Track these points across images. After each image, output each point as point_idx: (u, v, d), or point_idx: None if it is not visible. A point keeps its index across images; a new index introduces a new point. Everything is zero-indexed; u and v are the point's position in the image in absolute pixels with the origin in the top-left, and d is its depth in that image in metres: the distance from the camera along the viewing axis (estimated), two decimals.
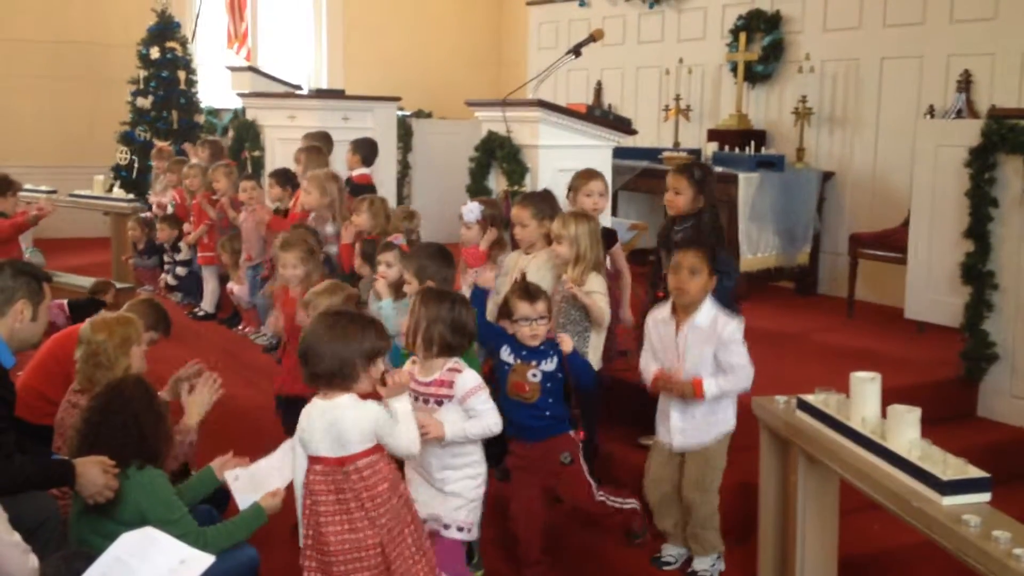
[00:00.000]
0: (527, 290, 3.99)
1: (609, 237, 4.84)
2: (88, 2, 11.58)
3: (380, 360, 3.21)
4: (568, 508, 4.28)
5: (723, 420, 3.96)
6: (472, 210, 4.95)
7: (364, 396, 3.21)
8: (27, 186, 8.69)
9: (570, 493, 4.12)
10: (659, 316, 4.03)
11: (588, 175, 4.94)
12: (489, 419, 3.54)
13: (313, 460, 3.17)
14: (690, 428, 3.94)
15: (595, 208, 4.82)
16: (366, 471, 3.13)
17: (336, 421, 3.12)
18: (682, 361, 3.90)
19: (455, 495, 3.60)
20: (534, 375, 3.93)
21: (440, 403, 3.54)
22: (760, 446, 3.70)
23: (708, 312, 3.89)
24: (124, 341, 3.89)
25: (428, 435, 3.40)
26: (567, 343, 3.98)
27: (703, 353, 3.87)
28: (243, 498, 3.56)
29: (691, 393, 3.85)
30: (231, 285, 7.45)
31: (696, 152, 8.22)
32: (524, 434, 3.95)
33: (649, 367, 4.03)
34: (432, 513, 3.59)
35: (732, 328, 3.87)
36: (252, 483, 3.58)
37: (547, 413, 3.97)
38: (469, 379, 3.54)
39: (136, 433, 3.27)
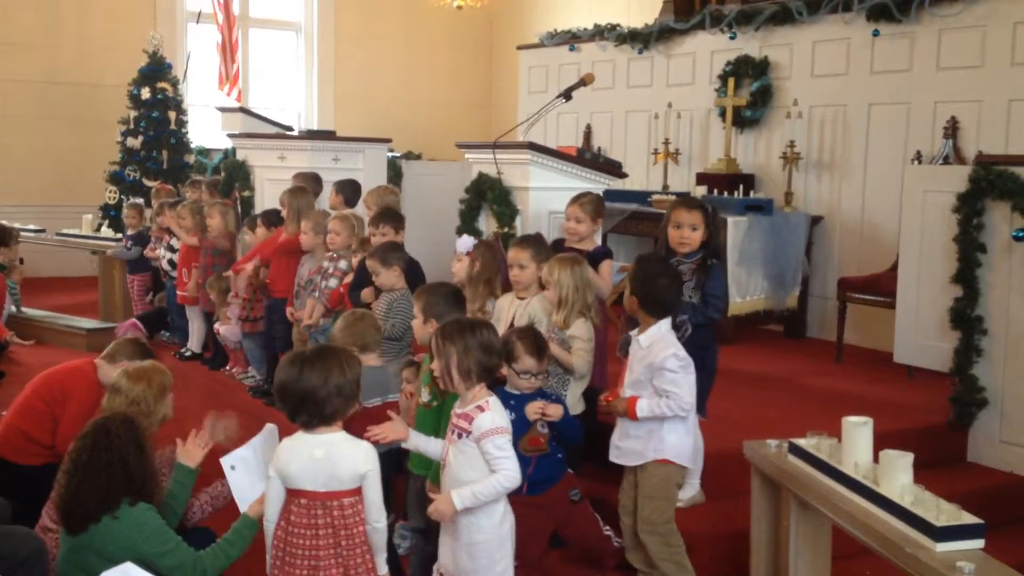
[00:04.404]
0: (536, 343, 3.91)
1: (596, 258, 4.88)
2: (80, 43, 11.64)
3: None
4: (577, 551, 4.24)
5: (659, 447, 3.81)
6: (464, 241, 5.04)
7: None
8: (15, 225, 8.68)
9: (580, 532, 4.10)
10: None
11: (572, 199, 5.06)
12: (501, 474, 3.28)
13: (294, 493, 3.11)
14: (624, 447, 3.91)
15: (567, 232, 4.99)
16: (348, 509, 3.10)
17: (328, 457, 3.08)
18: (628, 375, 3.89)
19: (477, 543, 3.39)
20: (542, 425, 3.91)
21: (461, 436, 3.38)
22: (751, 490, 3.68)
23: (653, 334, 3.83)
24: (162, 390, 3.88)
25: (437, 511, 3.31)
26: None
27: (641, 372, 3.82)
28: (241, 493, 3.52)
29: (624, 411, 3.81)
30: (218, 325, 7.41)
31: (685, 195, 8.24)
32: (545, 487, 3.92)
33: None
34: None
35: (666, 355, 3.76)
36: (247, 472, 3.53)
37: (559, 455, 3.98)
38: (487, 421, 3.33)
39: (123, 471, 3.25)
